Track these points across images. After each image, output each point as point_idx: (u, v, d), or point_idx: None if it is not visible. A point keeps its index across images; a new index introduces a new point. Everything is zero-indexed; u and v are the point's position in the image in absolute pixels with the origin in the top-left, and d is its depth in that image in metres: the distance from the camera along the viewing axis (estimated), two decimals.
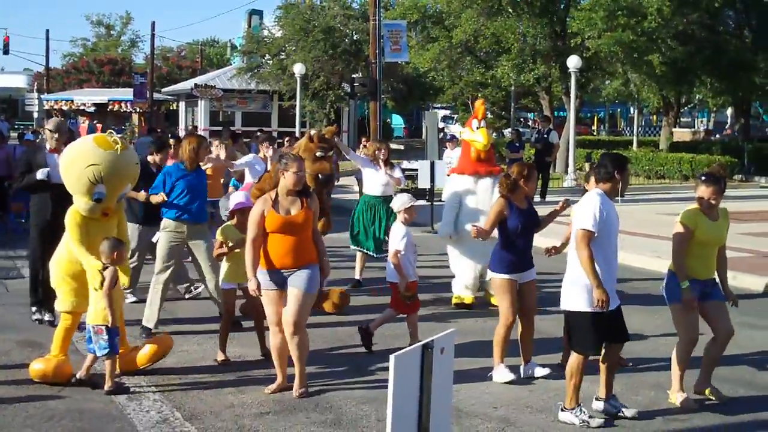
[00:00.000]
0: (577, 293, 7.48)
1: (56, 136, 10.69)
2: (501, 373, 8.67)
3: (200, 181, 10.63)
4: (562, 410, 7.60)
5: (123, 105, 53.07)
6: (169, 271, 10.30)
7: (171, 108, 56.86)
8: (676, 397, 8.06)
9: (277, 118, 46.92)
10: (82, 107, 53.18)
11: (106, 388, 8.02)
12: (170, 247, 10.34)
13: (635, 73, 34.58)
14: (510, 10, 34.03)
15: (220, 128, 32.02)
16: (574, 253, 7.53)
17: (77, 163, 8.52)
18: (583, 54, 32.90)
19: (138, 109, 51.65)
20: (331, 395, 8.10)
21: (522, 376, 8.77)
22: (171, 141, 14.45)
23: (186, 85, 51.27)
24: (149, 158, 12.07)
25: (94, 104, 53.51)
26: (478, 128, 12.04)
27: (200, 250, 10.42)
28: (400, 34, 30.16)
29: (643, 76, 34.69)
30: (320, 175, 11.22)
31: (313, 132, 11.65)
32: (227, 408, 7.74)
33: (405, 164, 13.77)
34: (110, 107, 53.30)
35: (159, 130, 29.68)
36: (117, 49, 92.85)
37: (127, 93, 54.22)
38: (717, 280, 8.23)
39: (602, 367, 7.73)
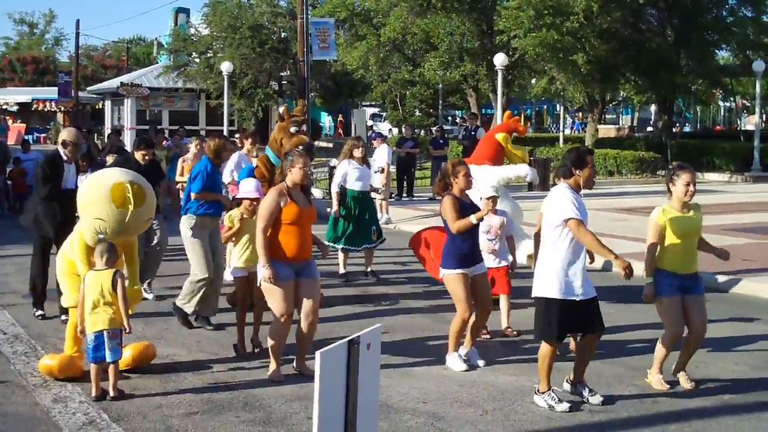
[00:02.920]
0: (547, 280, 7.62)
1: (69, 149, 10.91)
2: (454, 361, 8.85)
3: (219, 177, 11.23)
4: (536, 393, 7.81)
5: (47, 104, 52.30)
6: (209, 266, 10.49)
7: (97, 107, 56.16)
8: (653, 378, 8.36)
9: (204, 117, 46.62)
10: (5, 106, 52.28)
11: (112, 394, 7.88)
12: (201, 241, 10.52)
13: (561, 72, 34.95)
14: (439, 7, 34.16)
15: (146, 127, 31.70)
16: (548, 242, 7.68)
17: (89, 208, 8.49)
18: (509, 52, 33.21)
19: (63, 108, 50.91)
20: (260, 393, 8.08)
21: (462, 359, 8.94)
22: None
23: (112, 83, 50.69)
24: (137, 155, 12.07)
25: (18, 103, 52.68)
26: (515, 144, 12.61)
27: (215, 243, 10.66)
28: (327, 32, 30.10)
29: (569, 75, 35.09)
30: (300, 147, 11.34)
31: (281, 109, 11.97)
32: (155, 408, 7.67)
33: (333, 162, 13.83)
34: (34, 106, 52.49)
35: (85, 130, 29.26)
36: (40, 48, 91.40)
37: (51, 92, 53.47)
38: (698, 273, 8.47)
39: (577, 354, 7.90)
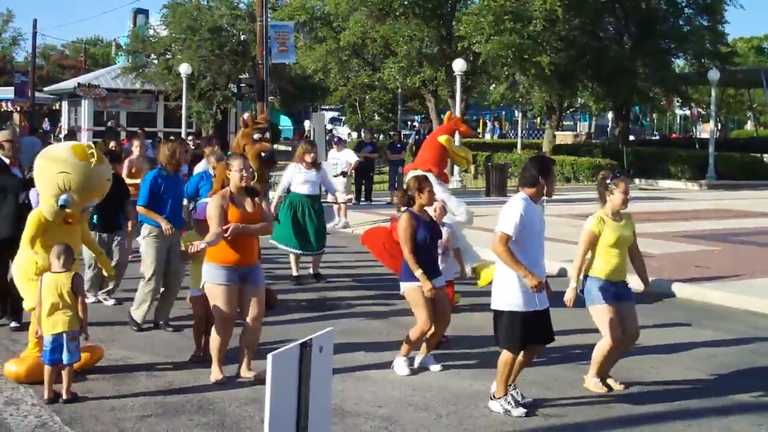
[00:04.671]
0: (505, 293, 7.68)
1: (7, 150, 10.58)
2: (400, 365, 8.90)
3: (178, 186, 10.75)
4: (491, 399, 7.85)
5: (3, 104, 51.73)
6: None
7: (54, 108, 55.63)
8: (590, 383, 8.46)
9: (162, 119, 46.33)
10: None
11: (66, 396, 7.80)
12: (156, 251, 10.43)
13: (523, 75, 35.09)
14: (399, 13, 34.21)
15: (103, 128, 31.45)
16: None
17: (50, 167, 8.57)
18: (469, 58, 33.32)
19: (19, 108, 50.38)
20: (214, 396, 8.05)
21: (416, 365, 9.01)
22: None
23: (69, 84, 50.23)
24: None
25: None
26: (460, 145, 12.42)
27: (175, 254, 10.48)
28: (287, 36, 30.02)
29: (531, 79, 35.24)
30: (263, 154, 11.33)
31: (246, 116, 11.91)
32: (108, 411, 7.62)
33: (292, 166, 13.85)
34: None
35: (41, 130, 29.04)
36: None
37: (8, 92, 52.84)
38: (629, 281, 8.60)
39: (517, 362, 7.90)
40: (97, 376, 8.60)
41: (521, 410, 7.72)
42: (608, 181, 8.47)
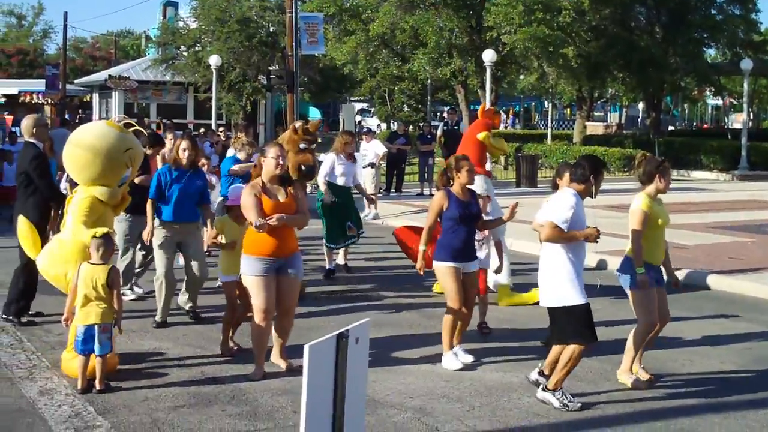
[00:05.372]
0: (565, 288, 7.61)
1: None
2: (449, 361, 8.81)
3: (185, 181, 10.44)
4: (543, 390, 7.76)
5: (35, 96, 52.08)
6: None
7: (84, 100, 55.96)
8: (625, 378, 8.33)
9: (192, 110, 46.53)
10: None
11: (99, 387, 7.83)
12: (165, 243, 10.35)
13: (551, 67, 34.94)
14: (429, 3, 34.14)
15: (135, 120, 31.57)
16: (549, 247, 7.69)
17: (115, 148, 8.71)
18: (498, 48, 33.19)
19: (50, 101, 50.73)
20: (246, 387, 8.06)
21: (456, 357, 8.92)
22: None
23: (100, 76, 50.54)
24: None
25: (5, 95, 52.44)
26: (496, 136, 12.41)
27: (190, 248, 10.45)
28: (316, 27, 30.02)
29: (559, 70, 35.08)
30: (303, 167, 11.26)
31: (298, 124, 11.74)
32: (141, 402, 7.64)
33: (321, 156, 13.85)
34: (21, 98, 52.26)
35: (78, 119, 29.18)
36: (28, 40, 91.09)
37: (39, 84, 53.25)
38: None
39: (555, 352, 7.88)
40: (130, 366, 8.63)
41: (577, 403, 7.66)
42: (661, 166, 8.36)
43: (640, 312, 8.30)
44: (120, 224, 11.13)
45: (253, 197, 8.21)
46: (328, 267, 13.60)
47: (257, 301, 8.30)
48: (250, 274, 8.30)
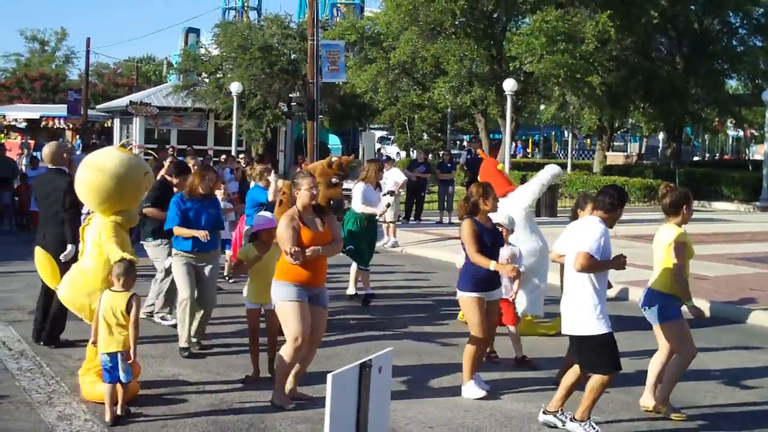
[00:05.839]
0: (589, 317, 7.56)
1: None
2: (471, 390, 8.75)
3: (209, 210, 10.40)
4: (571, 420, 7.71)
5: (56, 121, 52.43)
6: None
7: (106, 125, 56.29)
8: (666, 411, 8.28)
9: (213, 137, 46.69)
10: (14, 123, 52.41)
11: (120, 413, 7.80)
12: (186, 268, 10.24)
13: (575, 95, 34.91)
14: (450, 32, 34.22)
15: (155, 146, 31.72)
16: (573, 276, 7.65)
17: (136, 173, 8.83)
18: (520, 78, 33.21)
19: (71, 126, 51.04)
20: (266, 415, 8.02)
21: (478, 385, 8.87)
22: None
23: (121, 102, 50.78)
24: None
25: (26, 120, 52.80)
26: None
27: (204, 276, 10.34)
28: (338, 55, 30.21)
29: (583, 98, 35.06)
30: (332, 201, 11.30)
31: (334, 159, 11.75)
32: (160, 429, 7.61)
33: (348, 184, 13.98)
34: (43, 123, 52.62)
35: (97, 142, 29.36)
36: (51, 65, 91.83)
37: (60, 109, 53.61)
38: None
39: (572, 384, 7.82)
40: (150, 392, 8.61)
41: None
42: (686, 197, 8.34)
43: (680, 342, 8.25)
44: (162, 249, 11.48)
45: (291, 229, 8.06)
46: (366, 292, 13.61)
47: (292, 327, 8.10)
48: (288, 299, 8.13)
